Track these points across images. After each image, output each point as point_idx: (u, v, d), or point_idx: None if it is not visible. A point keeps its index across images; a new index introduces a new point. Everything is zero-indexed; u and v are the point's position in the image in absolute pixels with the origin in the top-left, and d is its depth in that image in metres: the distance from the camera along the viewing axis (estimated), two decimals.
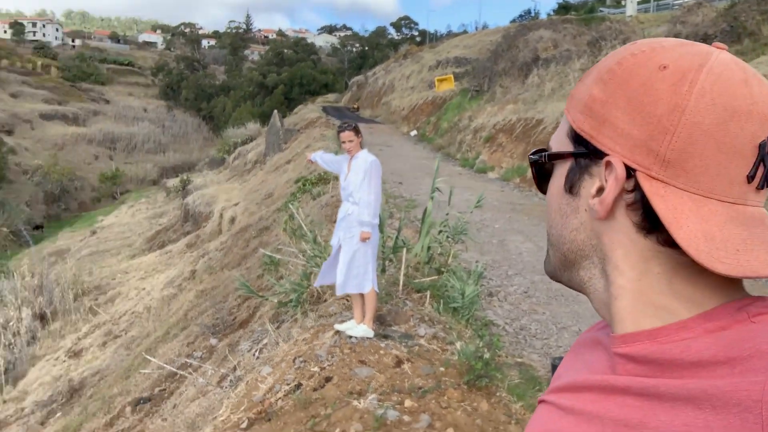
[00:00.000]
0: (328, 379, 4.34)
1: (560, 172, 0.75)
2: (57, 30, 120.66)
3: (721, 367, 0.61)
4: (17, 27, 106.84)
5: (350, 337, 5.00)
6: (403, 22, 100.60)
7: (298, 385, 4.45)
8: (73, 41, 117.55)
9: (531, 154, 0.79)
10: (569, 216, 0.74)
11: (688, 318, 0.67)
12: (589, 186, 0.71)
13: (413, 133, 28.97)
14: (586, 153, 0.71)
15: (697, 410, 0.60)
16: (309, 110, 42.66)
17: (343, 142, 5.20)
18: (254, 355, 5.89)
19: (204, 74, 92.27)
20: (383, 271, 6.50)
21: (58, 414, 10.20)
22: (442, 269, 6.79)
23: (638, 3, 37.74)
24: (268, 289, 7.91)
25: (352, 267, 5.08)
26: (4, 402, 11.79)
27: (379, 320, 5.35)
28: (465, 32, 59.12)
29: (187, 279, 14.81)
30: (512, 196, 13.94)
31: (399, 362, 4.49)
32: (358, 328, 5.04)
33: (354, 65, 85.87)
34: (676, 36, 20.16)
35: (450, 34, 64.47)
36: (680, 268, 0.68)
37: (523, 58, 24.03)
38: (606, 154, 0.68)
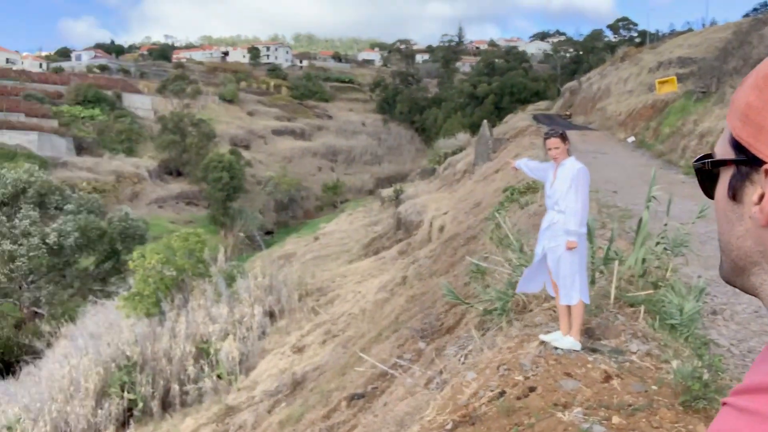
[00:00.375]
0: (532, 389, 4.30)
1: (724, 178, 0.75)
2: (287, 52, 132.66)
3: None
4: (254, 51, 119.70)
5: (556, 348, 4.89)
6: (620, 23, 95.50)
7: (502, 393, 4.47)
8: (300, 62, 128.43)
9: (695, 161, 0.78)
10: (734, 223, 0.74)
11: None
12: (751, 193, 0.71)
13: (630, 139, 27.40)
14: (746, 160, 0.71)
15: None
16: (519, 119, 42.27)
17: (549, 149, 5.10)
18: (460, 360, 6.00)
19: (417, 88, 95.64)
20: (593, 282, 6.27)
21: (283, 404, 11.19)
22: (659, 283, 6.37)
23: None
24: (475, 296, 7.99)
25: (558, 277, 4.99)
26: (239, 390, 13.19)
27: (588, 333, 5.18)
28: (690, 30, 54.57)
29: (398, 284, 15.43)
30: None
31: (607, 377, 4.31)
32: (565, 340, 4.91)
33: (567, 71, 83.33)
34: None
35: (673, 33, 59.94)
36: None
37: (758, 55, 21.68)
38: (764, 162, 0.69)
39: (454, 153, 37.56)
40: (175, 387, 13.49)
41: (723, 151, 0.75)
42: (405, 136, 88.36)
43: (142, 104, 72.96)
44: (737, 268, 0.75)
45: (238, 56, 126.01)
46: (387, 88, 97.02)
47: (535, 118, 42.25)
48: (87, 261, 30.39)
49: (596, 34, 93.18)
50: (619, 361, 4.63)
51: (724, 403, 0.79)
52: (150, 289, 16.72)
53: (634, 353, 4.76)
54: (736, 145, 0.72)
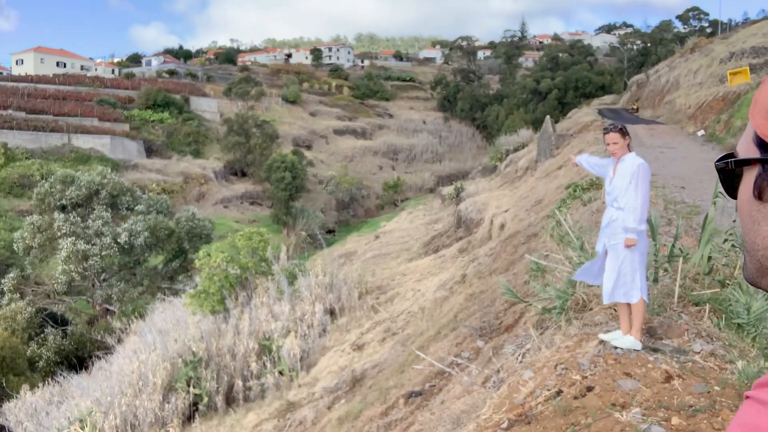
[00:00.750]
0: (589, 389, 4.22)
1: (749, 178, 0.73)
2: (349, 53, 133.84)
3: None
4: (316, 53, 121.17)
5: (615, 348, 4.78)
6: (690, 13, 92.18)
7: (559, 392, 4.39)
8: (362, 62, 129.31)
9: (717, 161, 0.76)
10: (761, 223, 0.72)
11: None
12: None
13: (700, 132, 26.41)
14: None
15: None
16: (583, 114, 41.32)
17: (608, 144, 4.99)
18: (517, 359, 5.93)
19: (479, 84, 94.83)
20: (656, 281, 6.09)
21: (343, 400, 11.31)
22: (726, 281, 6.13)
23: None
24: (534, 295, 7.88)
25: (619, 275, 4.87)
26: (299, 386, 13.40)
27: (649, 332, 5.03)
28: (765, 18, 52.17)
29: (458, 282, 15.35)
30: None
31: (668, 377, 4.18)
32: (625, 339, 4.78)
33: (634, 64, 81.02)
34: None
35: (746, 22, 57.43)
36: None
37: None
38: None
39: (516, 150, 37.07)
40: (239, 383, 13.81)
41: (747, 149, 0.73)
42: (466, 134, 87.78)
43: (209, 107, 74.92)
44: (763, 269, 0.73)
45: (301, 58, 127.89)
46: (448, 86, 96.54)
47: (600, 112, 41.25)
48: (156, 260, 31.47)
49: (665, 25, 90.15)
50: (681, 361, 4.48)
51: (747, 397, 0.77)
52: (215, 287, 17.17)
53: (698, 353, 4.60)
54: (762, 144, 0.70)
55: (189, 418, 13.15)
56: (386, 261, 26.19)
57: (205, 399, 13.29)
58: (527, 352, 5.91)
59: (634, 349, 4.69)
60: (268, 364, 14.22)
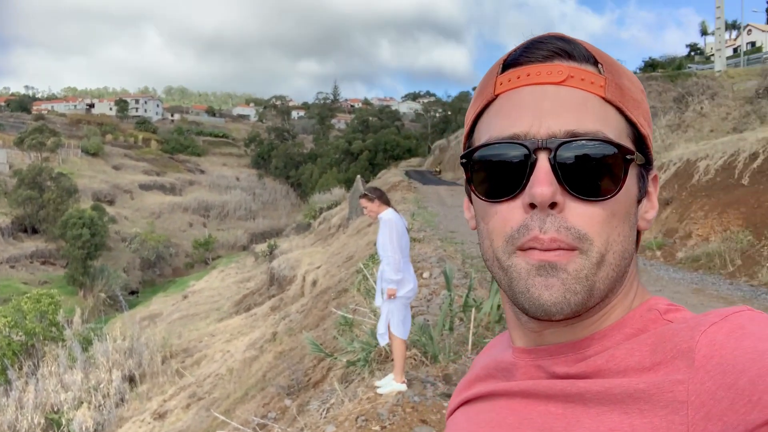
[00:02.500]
0: None
1: (632, 177, 0.67)
2: (158, 106, 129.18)
3: (647, 372, 0.59)
4: (122, 104, 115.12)
5: (380, 395, 5.03)
6: None
7: None
8: (172, 116, 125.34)
9: (604, 144, 0.64)
10: (634, 227, 0.68)
11: (606, 327, 0.65)
12: (644, 196, 0.71)
13: None
14: (649, 162, 0.70)
15: (623, 415, 0.58)
16: (392, 174, 43.34)
17: (363, 208, 5.40)
18: (321, 414, 5.84)
19: (293, 143, 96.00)
20: (451, 330, 6.38)
21: None
22: None
23: (728, 58, 36.72)
24: (342, 349, 7.90)
25: (382, 322, 5.24)
26: None
27: (445, 379, 5.22)
28: None
29: (268, 341, 15.02)
30: None
31: None
32: (387, 384, 5.06)
33: (437, 130, 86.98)
34: (767, 89, 19.43)
35: None
36: (636, 271, 0.71)
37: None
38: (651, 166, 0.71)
39: (329, 208, 37.74)
40: None
41: (626, 144, 0.67)
42: (280, 191, 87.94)
43: None
44: (614, 284, 0.65)
45: (105, 108, 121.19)
46: (262, 143, 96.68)
47: (407, 173, 43.56)
48: None
49: (463, 96, 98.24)
50: None
51: (453, 412, 0.79)
52: None
53: None
54: (639, 144, 0.68)
55: None
56: (194, 322, 25.00)
57: None
58: (331, 406, 5.85)
59: (399, 391, 4.93)
60: None
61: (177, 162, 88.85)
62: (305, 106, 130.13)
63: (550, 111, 0.63)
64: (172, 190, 77.47)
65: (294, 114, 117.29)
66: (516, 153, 0.63)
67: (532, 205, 0.62)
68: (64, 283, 46.54)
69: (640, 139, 0.68)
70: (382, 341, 5.23)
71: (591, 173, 0.62)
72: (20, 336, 16.95)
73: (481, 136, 0.69)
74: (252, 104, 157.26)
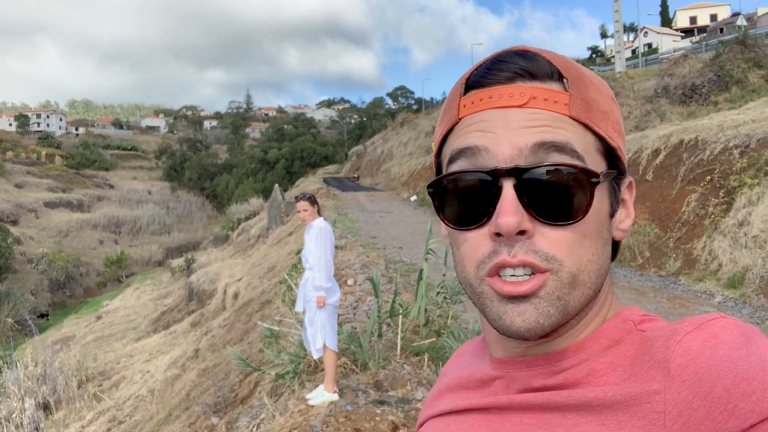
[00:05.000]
0: None
1: (601, 194, 0.66)
2: (61, 120, 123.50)
3: (624, 383, 0.59)
4: (22, 119, 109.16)
5: (312, 406, 5.01)
6: (399, 91, 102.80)
7: None
8: (76, 129, 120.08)
9: (568, 169, 0.63)
10: (607, 243, 0.67)
11: (582, 339, 0.65)
12: (618, 208, 0.70)
13: (413, 198, 29.15)
14: (621, 173, 0.69)
15: (600, 426, 0.58)
16: (310, 182, 43.11)
17: (299, 211, 5.41)
18: (252, 431, 5.73)
19: (207, 154, 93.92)
20: (380, 336, 6.40)
21: None
22: (441, 331, 6.68)
23: (627, 59, 38.68)
24: (269, 362, 7.78)
25: (314, 331, 5.19)
26: None
27: (376, 386, 5.23)
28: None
29: (190, 358, 14.61)
30: None
31: (395, 428, 4.35)
32: (318, 395, 5.05)
33: (353, 136, 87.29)
34: (665, 88, 20.57)
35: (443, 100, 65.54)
36: (609, 282, 0.71)
37: None
38: (623, 174, 0.70)
39: (247, 218, 37.12)
40: None
41: (595, 162, 0.66)
42: (195, 204, 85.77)
43: None
44: (589, 300, 0.65)
45: (4, 124, 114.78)
46: (174, 155, 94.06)
47: (325, 181, 43.47)
48: None
49: (377, 102, 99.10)
50: (405, 410, 4.71)
51: (424, 425, 0.79)
52: None
53: (420, 401, 4.88)
54: (612, 158, 0.67)
55: None
56: (110, 343, 24.00)
57: None
58: (262, 422, 5.75)
59: (331, 401, 4.95)
60: None
61: (84, 177, 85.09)
62: (217, 115, 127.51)
63: (513, 134, 0.64)
64: (80, 206, 74.09)
65: (206, 124, 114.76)
66: (480, 182, 0.63)
67: (499, 234, 0.62)
68: None
69: (611, 151, 0.67)
70: (317, 354, 5.17)
71: (557, 199, 0.62)
72: None
73: (447, 159, 0.70)
74: (161, 115, 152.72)
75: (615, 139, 0.67)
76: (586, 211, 0.63)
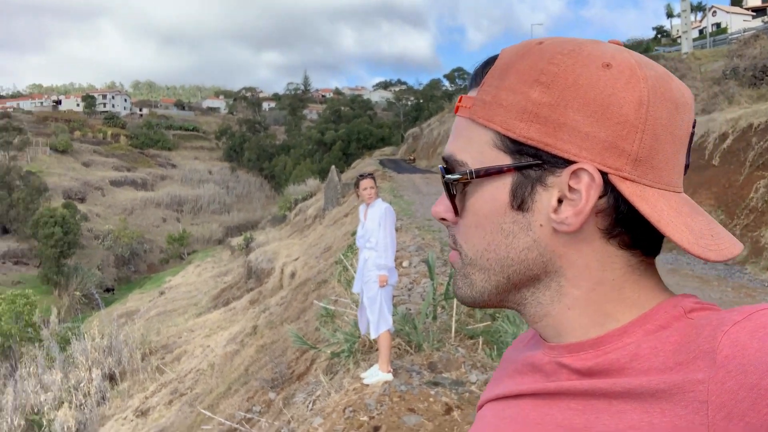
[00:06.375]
0: (376, 429, 4.28)
1: (492, 188, 0.68)
2: (125, 100, 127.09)
3: (669, 372, 0.59)
4: (89, 100, 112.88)
5: (367, 385, 5.06)
6: (456, 73, 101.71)
7: None
8: (140, 110, 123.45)
9: (452, 175, 0.71)
10: (517, 235, 0.67)
11: (627, 323, 0.66)
12: (545, 199, 0.65)
13: None
14: (539, 163, 0.64)
15: (643, 413, 0.59)
16: (366, 164, 43.28)
17: (364, 189, 5.39)
18: (308, 406, 5.87)
19: (265, 135, 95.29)
20: (435, 318, 6.44)
21: None
22: (497, 315, 6.67)
23: (694, 40, 37.20)
24: (324, 340, 7.92)
25: (371, 312, 5.22)
26: None
27: (430, 367, 5.28)
28: None
29: (248, 335, 14.98)
30: None
31: (449, 409, 4.39)
32: (373, 374, 5.09)
33: (409, 118, 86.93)
34: (734, 70, 19.74)
35: None
36: (630, 272, 0.67)
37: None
38: (569, 161, 0.63)
39: (304, 199, 37.58)
40: None
41: (486, 158, 0.67)
42: (254, 184, 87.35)
43: None
44: (509, 285, 0.69)
45: (72, 105, 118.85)
46: (234, 136, 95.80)
47: (382, 162, 43.56)
48: None
49: (434, 84, 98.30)
50: (459, 392, 4.74)
51: (481, 412, 0.80)
52: None
53: (474, 383, 4.91)
54: (517, 148, 0.65)
55: None
56: (172, 318, 24.81)
57: None
58: (317, 398, 5.88)
59: (386, 381, 4.99)
60: None
61: (147, 157, 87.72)
62: (276, 97, 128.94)
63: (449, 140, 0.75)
64: (144, 185, 76.54)
65: (265, 105, 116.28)
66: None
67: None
68: (38, 282, 45.86)
69: (518, 143, 0.67)
70: (375, 334, 5.20)
71: (451, 198, 0.73)
72: None
73: None
74: (221, 96, 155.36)
75: (516, 131, 0.65)
76: (462, 209, 0.72)
